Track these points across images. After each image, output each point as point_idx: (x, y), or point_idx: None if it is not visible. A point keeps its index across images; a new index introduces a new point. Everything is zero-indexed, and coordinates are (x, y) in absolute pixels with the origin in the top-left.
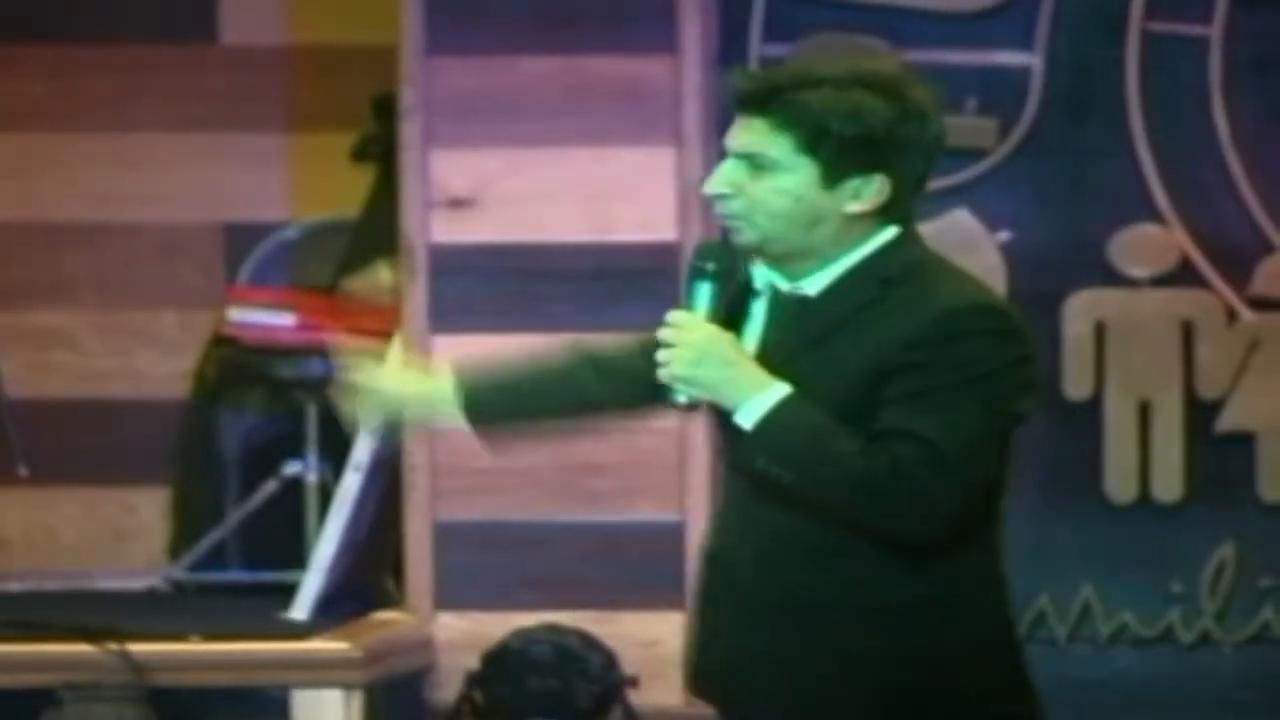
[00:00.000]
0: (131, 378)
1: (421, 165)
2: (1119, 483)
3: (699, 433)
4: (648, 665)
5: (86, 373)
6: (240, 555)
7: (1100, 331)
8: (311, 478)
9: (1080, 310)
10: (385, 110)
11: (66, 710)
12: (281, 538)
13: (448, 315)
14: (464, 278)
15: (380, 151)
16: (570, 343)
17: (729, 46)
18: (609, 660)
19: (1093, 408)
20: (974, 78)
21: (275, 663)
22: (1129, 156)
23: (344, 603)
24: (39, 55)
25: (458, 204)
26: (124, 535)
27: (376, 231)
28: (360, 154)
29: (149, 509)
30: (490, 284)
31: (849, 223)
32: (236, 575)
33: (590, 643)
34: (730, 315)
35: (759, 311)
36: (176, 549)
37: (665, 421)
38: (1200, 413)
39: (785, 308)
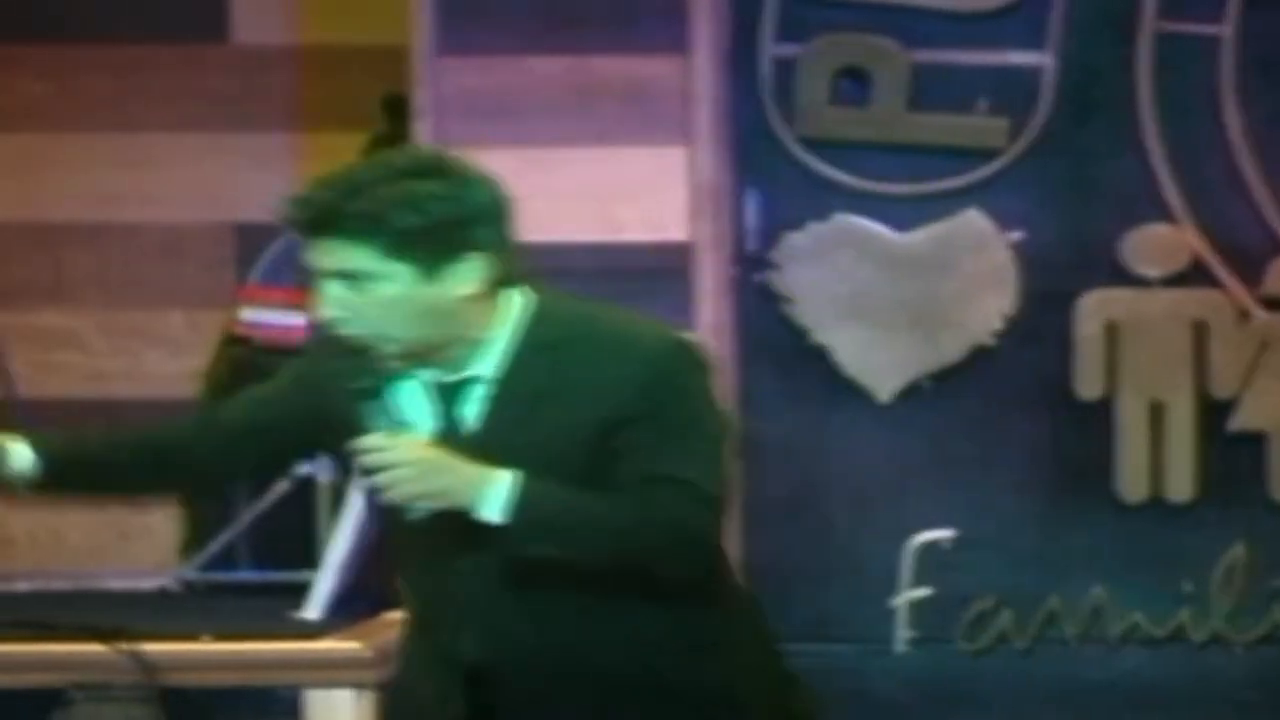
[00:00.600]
0: (138, 378)
1: None
2: (1130, 482)
3: None
4: None
5: (93, 372)
6: (251, 555)
7: (1111, 331)
8: (323, 478)
9: (1091, 310)
10: (396, 110)
11: (77, 710)
12: (293, 538)
13: None
14: None
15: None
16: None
17: (740, 46)
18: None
19: (1104, 407)
20: (985, 77)
21: (287, 663)
22: (1140, 156)
23: (356, 602)
24: (43, 55)
25: None
26: (129, 535)
27: None
28: (371, 154)
29: (157, 509)
30: None
31: (471, 305)
32: (247, 575)
33: None
34: (407, 423)
35: (439, 410)
36: (187, 549)
37: None
38: (1212, 413)
39: (467, 398)
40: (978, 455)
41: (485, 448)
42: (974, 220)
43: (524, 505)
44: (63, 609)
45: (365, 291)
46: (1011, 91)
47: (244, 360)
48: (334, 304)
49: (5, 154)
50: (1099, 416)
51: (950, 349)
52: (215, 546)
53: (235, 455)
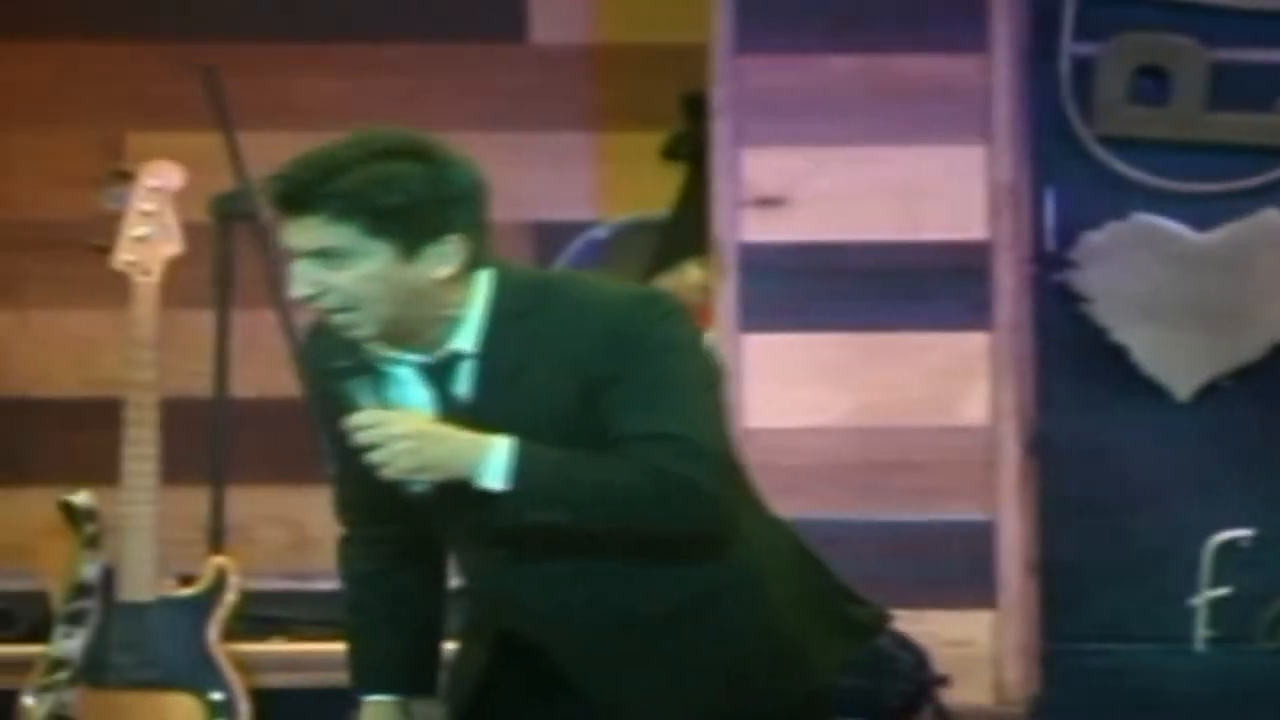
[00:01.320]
0: None
1: (732, 164)
2: None
3: (1009, 431)
4: (958, 664)
5: None
6: None
7: None
8: None
9: None
10: (695, 109)
11: None
12: None
13: (757, 314)
14: (773, 277)
15: (690, 151)
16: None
17: (1039, 45)
18: (920, 659)
19: None
20: None
21: None
22: None
23: None
24: (341, 54)
25: (767, 203)
26: None
27: (686, 231)
28: (670, 153)
29: None
30: (799, 283)
31: (446, 286)
32: None
33: (901, 641)
34: (397, 400)
35: (435, 391)
36: None
37: (976, 420)
38: None
39: (456, 376)
40: (1277, 454)
41: (482, 422)
42: (1273, 219)
43: (523, 470)
44: None
45: (342, 270)
46: None
47: None
48: (308, 282)
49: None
50: None
51: (1249, 347)
52: None
53: (401, 519)
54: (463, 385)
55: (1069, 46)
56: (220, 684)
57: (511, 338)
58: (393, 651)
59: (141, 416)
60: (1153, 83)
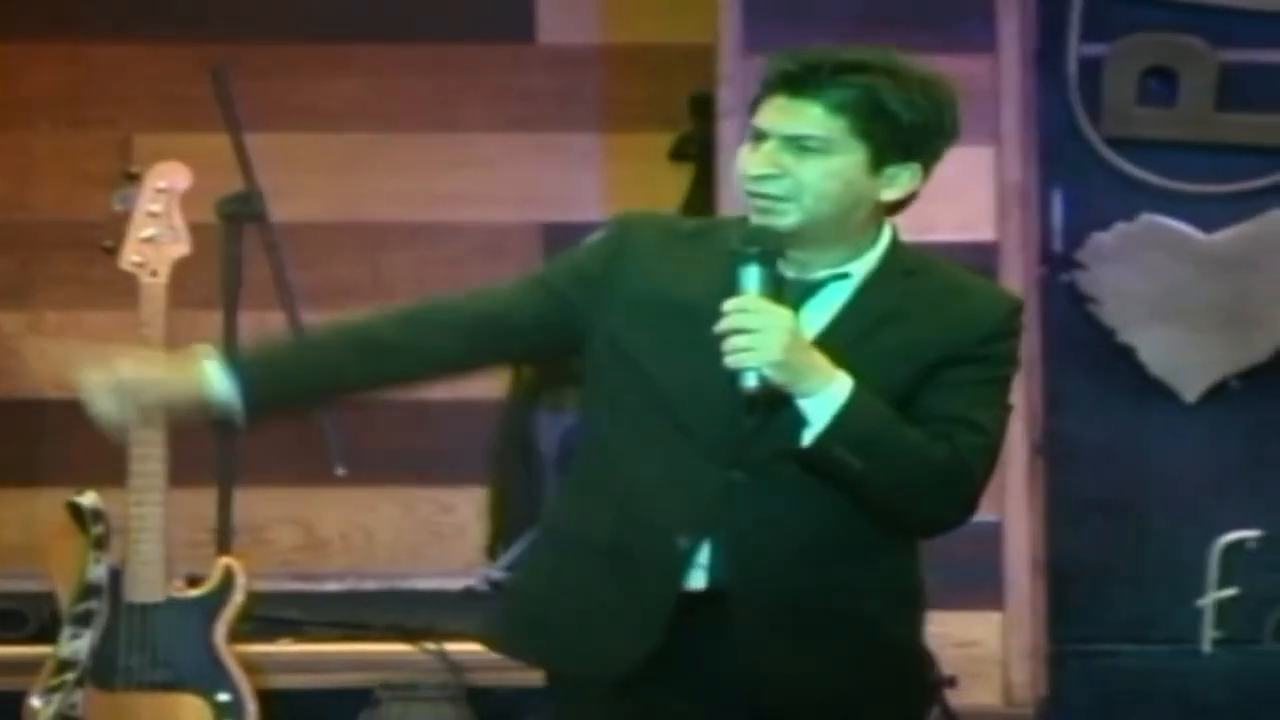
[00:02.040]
0: None
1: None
2: None
3: (1017, 431)
4: (966, 665)
5: None
6: None
7: None
8: None
9: None
10: (703, 110)
11: (384, 710)
12: None
13: None
14: None
15: (698, 151)
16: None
17: (1048, 46)
18: (928, 660)
19: None
20: None
21: None
22: None
23: None
24: (356, 56)
25: None
26: (442, 535)
27: None
28: (678, 154)
29: (466, 508)
30: None
31: (876, 210)
32: None
33: None
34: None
35: (795, 299)
36: (494, 548)
37: None
38: None
39: (825, 295)
40: None
41: (822, 348)
42: None
43: (852, 408)
44: (371, 609)
45: (808, 160)
46: None
47: None
48: (770, 161)
49: (326, 154)
50: None
51: (1258, 348)
52: (522, 545)
53: (457, 345)
54: (821, 315)
55: (1077, 48)
56: (227, 685)
57: (890, 290)
58: (293, 356)
59: None
60: (1161, 84)
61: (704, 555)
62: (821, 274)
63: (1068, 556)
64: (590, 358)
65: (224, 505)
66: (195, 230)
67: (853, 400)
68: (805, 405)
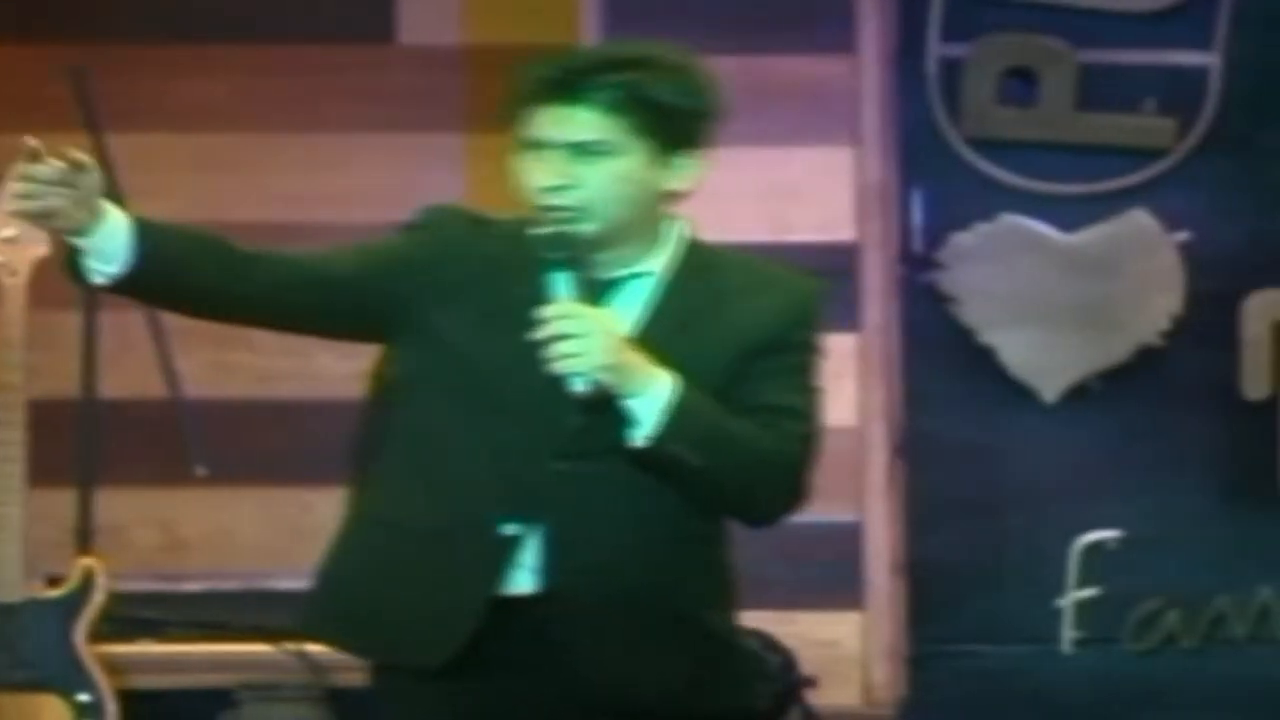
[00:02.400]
0: (308, 378)
1: None
2: None
3: (877, 431)
4: (826, 665)
5: (263, 373)
6: None
7: (1278, 332)
8: None
9: (1258, 310)
10: None
11: (244, 711)
12: None
13: None
14: None
15: None
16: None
17: (907, 46)
18: (788, 661)
19: (1270, 408)
20: (1152, 77)
21: None
22: None
23: None
24: (216, 56)
25: None
26: (302, 534)
27: None
28: None
29: (326, 508)
30: None
31: (662, 202)
32: None
33: (769, 643)
34: (599, 297)
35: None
36: None
37: (844, 420)
38: None
39: (627, 294)
40: (1144, 455)
41: (638, 346)
42: (1141, 220)
43: (685, 404)
44: (232, 609)
45: (595, 164)
46: (1179, 91)
47: None
48: (559, 172)
49: (187, 155)
50: (1265, 417)
51: (1118, 349)
52: None
53: (297, 295)
54: (627, 314)
55: (937, 48)
56: (88, 685)
57: (693, 285)
58: (176, 235)
59: (8, 418)
60: (1021, 84)
61: (530, 555)
62: (620, 272)
63: (928, 557)
64: (405, 344)
65: (84, 505)
66: (51, 231)
67: (681, 398)
68: (632, 405)
